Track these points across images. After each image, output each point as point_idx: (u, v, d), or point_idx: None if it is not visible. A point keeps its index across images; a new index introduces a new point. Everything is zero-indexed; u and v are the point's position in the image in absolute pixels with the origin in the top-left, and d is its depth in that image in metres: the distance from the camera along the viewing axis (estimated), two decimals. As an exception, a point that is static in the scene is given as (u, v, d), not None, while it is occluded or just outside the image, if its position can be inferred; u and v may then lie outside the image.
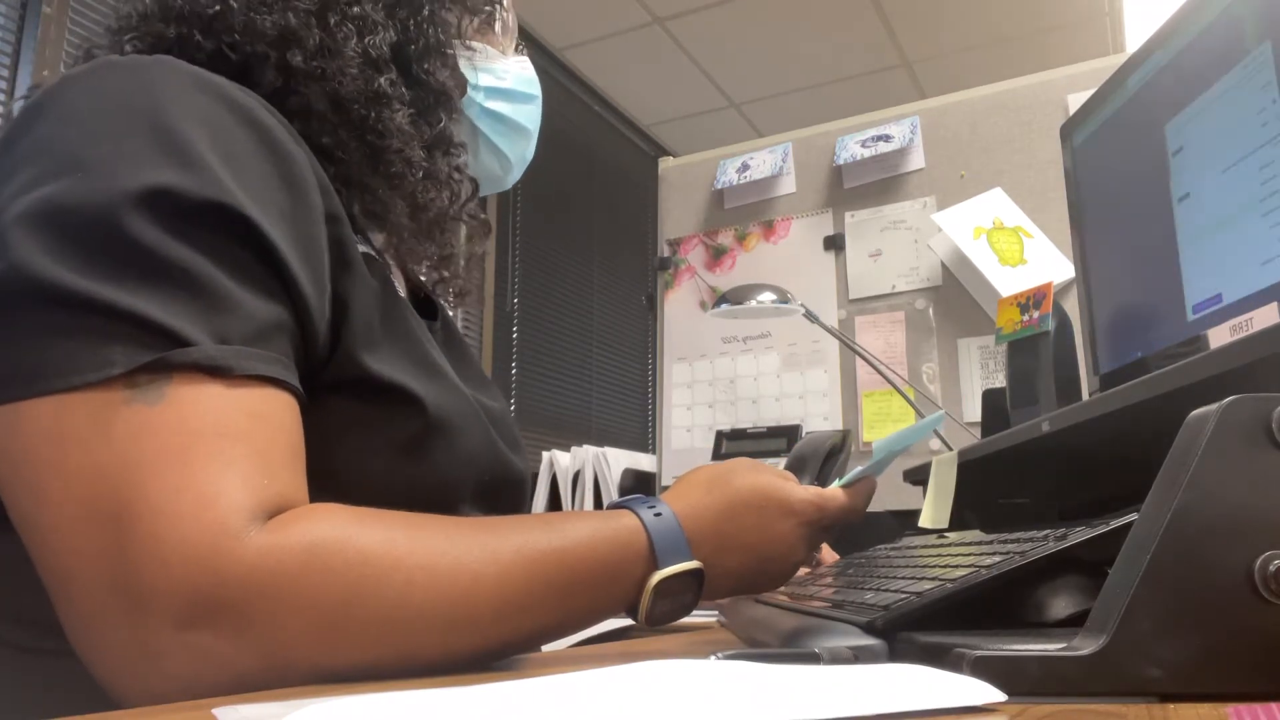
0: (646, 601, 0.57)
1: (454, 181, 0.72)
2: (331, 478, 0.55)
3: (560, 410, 3.47)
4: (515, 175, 0.84)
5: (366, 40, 0.65)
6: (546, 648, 0.64)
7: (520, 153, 0.83)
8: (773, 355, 1.98)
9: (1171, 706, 0.35)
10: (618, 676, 0.33)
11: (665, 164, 2.26)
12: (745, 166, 2.09)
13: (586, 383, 3.65)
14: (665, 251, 2.17)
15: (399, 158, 0.66)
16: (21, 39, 1.98)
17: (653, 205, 2.26)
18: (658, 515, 0.58)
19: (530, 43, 3.61)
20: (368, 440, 0.59)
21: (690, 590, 0.59)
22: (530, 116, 0.82)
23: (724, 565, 0.61)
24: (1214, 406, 0.38)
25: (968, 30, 3.45)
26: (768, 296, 1.61)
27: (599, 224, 3.84)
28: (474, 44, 0.77)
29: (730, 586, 0.63)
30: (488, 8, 0.77)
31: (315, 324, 0.55)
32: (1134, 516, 0.40)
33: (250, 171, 0.53)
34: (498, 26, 0.79)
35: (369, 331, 0.59)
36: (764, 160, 2.07)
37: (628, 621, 0.60)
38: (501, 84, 0.78)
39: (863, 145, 1.94)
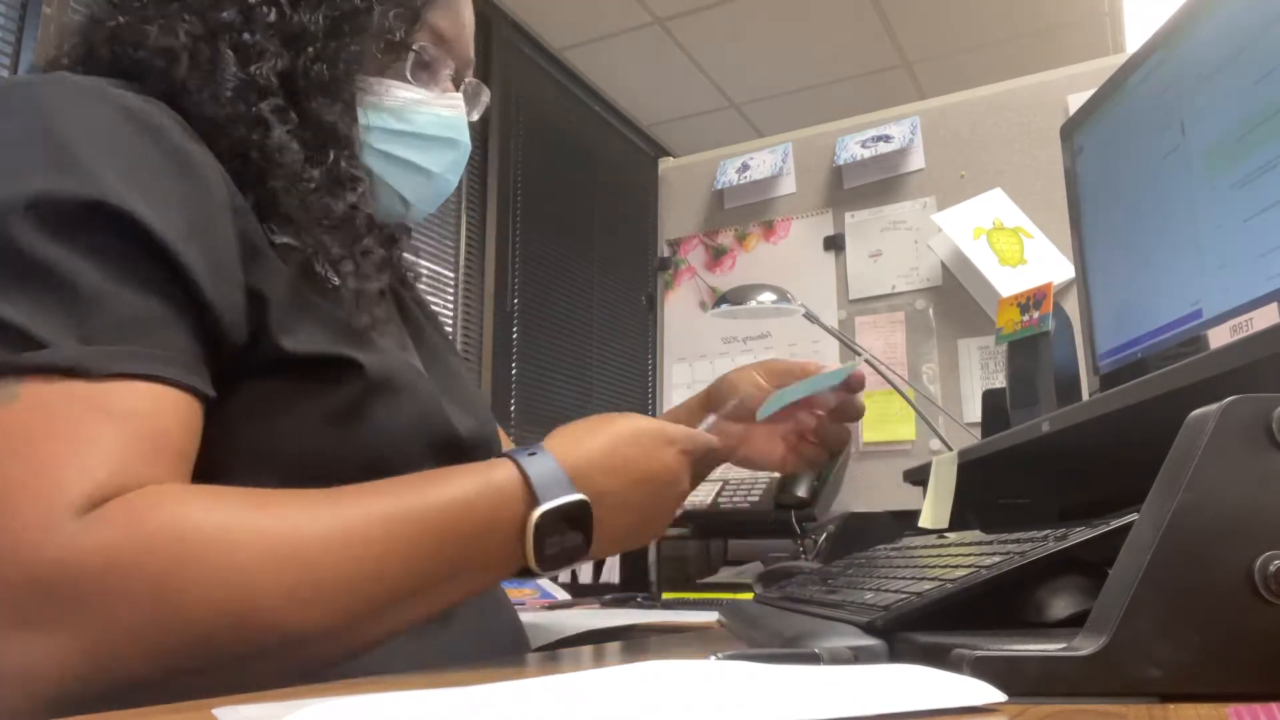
0: (530, 542, 0.56)
1: (346, 218, 0.68)
2: (273, 458, 0.56)
3: (560, 410, 3.47)
4: (423, 210, 0.80)
5: (252, 68, 0.65)
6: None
7: (422, 194, 0.78)
8: (772, 355, 1.98)
9: (1171, 706, 0.35)
10: (618, 676, 0.33)
11: (665, 164, 2.26)
12: (745, 167, 2.09)
13: (586, 383, 3.65)
14: (665, 251, 2.17)
15: (285, 172, 0.65)
16: (21, 39, 1.98)
17: (653, 205, 2.26)
18: (532, 455, 0.58)
19: (530, 43, 3.62)
20: (304, 414, 0.60)
21: (578, 529, 0.59)
22: (438, 160, 0.77)
23: (611, 500, 0.61)
24: (1214, 406, 0.38)
25: (968, 30, 3.45)
26: (768, 297, 1.61)
27: (599, 224, 3.84)
28: (383, 82, 0.73)
29: (622, 524, 0.63)
30: (399, 46, 0.74)
31: (218, 312, 0.56)
32: (1134, 516, 0.40)
33: (139, 170, 0.55)
34: (408, 69, 0.74)
35: (286, 315, 0.60)
36: (764, 160, 2.07)
37: (628, 620, 0.60)
38: (402, 126, 0.74)
39: (863, 145, 1.94)
